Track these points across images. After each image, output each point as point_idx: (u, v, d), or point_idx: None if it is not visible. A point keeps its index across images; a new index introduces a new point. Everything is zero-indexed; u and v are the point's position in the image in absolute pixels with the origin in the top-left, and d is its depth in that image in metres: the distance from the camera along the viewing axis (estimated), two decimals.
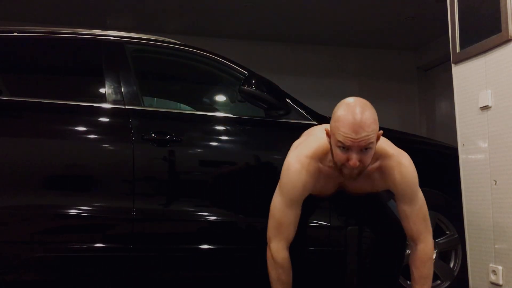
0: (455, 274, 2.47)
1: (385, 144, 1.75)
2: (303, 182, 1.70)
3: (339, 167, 1.64)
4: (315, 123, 2.35)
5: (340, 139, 1.57)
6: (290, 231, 1.71)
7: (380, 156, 1.73)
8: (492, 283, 2.09)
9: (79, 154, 2.21)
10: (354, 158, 1.57)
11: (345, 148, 1.58)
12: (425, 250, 1.74)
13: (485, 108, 2.12)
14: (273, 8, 5.01)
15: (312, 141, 1.77)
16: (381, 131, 1.64)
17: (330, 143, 1.65)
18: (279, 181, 1.75)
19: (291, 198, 1.71)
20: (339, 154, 1.60)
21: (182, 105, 3.20)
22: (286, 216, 1.72)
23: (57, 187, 2.19)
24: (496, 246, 2.08)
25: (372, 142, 1.58)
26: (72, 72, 2.63)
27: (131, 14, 5.64)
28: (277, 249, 1.71)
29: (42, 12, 5.42)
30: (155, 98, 3.12)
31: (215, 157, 2.37)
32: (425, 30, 5.88)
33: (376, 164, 1.74)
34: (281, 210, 1.72)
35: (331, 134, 1.62)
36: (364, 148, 1.57)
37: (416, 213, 1.74)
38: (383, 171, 1.74)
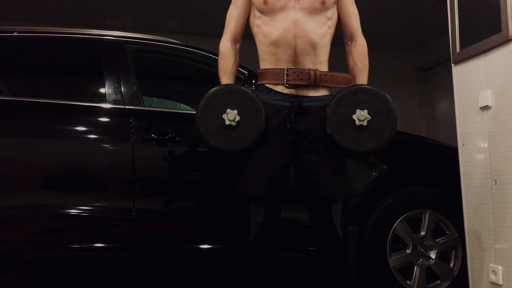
0: (455, 274, 2.48)
1: None
2: None
3: None
4: None
5: None
6: (232, 26, 1.94)
7: None
8: (492, 283, 2.09)
9: (79, 154, 2.21)
10: None
11: None
12: (363, 43, 1.97)
13: (485, 108, 2.12)
14: None
15: None
16: None
17: None
18: None
19: None
20: None
21: (182, 105, 3.20)
22: (230, 13, 1.95)
23: (57, 187, 2.19)
24: (496, 246, 2.08)
25: None
26: (72, 72, 2.63)
27: (131, 14, 5.64)
28: (222, 40, 1.95)
29: (42, 12, 5.42)
30: (155, 98, 3.12)
31: (215, 156, 2.37)
32: (425, 30, 5.88)
33: None
34: (229, 10, 1.96)
35: None
36: None
37: (354, 11, 1.96)
38: None
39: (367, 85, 1.87)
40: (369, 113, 1.77)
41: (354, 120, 1.76)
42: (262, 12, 1.87)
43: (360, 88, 1.82)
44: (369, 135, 1.77)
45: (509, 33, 1.97)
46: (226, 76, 1.92)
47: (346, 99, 1.79)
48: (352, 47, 1.97)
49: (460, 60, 2.26)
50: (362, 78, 1.93)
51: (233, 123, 1.75)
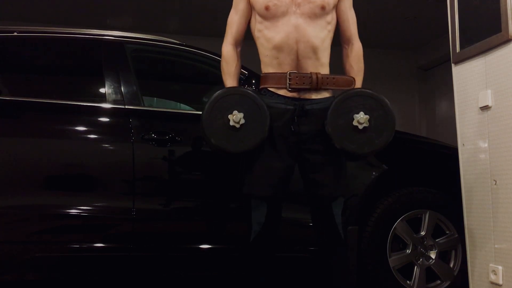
0: (455, 274, 2.48)
1: None
2: None
3: None
4: None
5: None
6: (233, 30, 1.97)
7: None
8: (492, 283, 2.09)
9: (79, 154, 2.21)
10: None
11: None
12: (359, 46, 2.00)
13: (485, 108, 2.12)
14: None
15: None
16: None
17: None
18: None
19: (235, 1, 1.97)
20: None
21: (182, 105, 3.20)
22: (232, 17, 1.97)
23: (57, 187, 2.19)
24: (496, 246, 2.08)
25: None
26: (72, 72, 2.63)
27: (131, 14, 5.64)
28: (224, 44, 1.98)
29: (42, 12, 5.42)
30: (155, 98, 3.12)
31: (215, 156, 2.37)
32: (425, 30, 5.88)
33: None
34: (230, 14, 1.98)
35: None
36: None
37: (352, 16, 1.99)
38: None
39: (362, 88, 1.92)
40: (366, 114, 1.81)
41: (354, 124, 1.80)
42: (264, 17, 1.90)
43: (356, 92, 1.86)
44: (370, 136, 1.81)
45: (509, 33, 1.97)
46: (230, 78, 1.95)
47: (343, 105, 1.82)
48: (349, 50, 2.00)
49: (460, 60, 2.26)
50: (358, 80, 1.97)
51: (237, 125, 1.77)
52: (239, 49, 2.00)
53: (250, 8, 1.94)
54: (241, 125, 1.78)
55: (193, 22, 5.73)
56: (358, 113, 1.80)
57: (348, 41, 2.00)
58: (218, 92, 1.83)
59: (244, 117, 1.78)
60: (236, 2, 1.96)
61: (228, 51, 1.96)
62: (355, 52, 1.98)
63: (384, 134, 1.83)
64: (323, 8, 1.88)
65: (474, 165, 2.20)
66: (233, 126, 1.77)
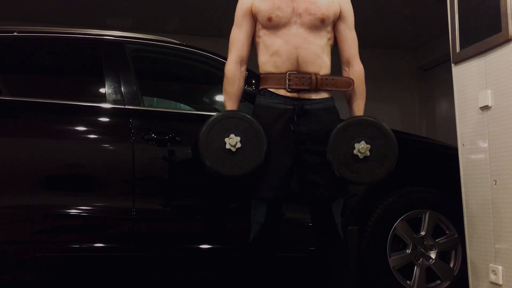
0: (455, 274, 2.48)
1: None
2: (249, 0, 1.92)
3: None
4: None
5: None
6: (239, 47, 1.93)
7: None
8: (492, 283, 2.09)
9: (79, 154, 2.21)
10: None
11: None
12: (360, 68, 1.97)
13: (485, 108, 2.12)
14: None
15: None
16: None
17: None
18: None
19: (238, 16, 1.94)
20: None
21: (182, 105, 3.20)
22: (236, 35, 1.94)
23: (57, 187, 2.19)
24: (496, 246, 2.08)
25: None
26: (72, 72, 2.63)
27: (131, 14, 5.64)
28: (228, 62, 1.94)
29: (42, 12, 5.42)
30: (155, 98, 3.12)
31: None
32: (425, 30, 5.89)
33: None
34: (233, 31, 1.95)
35: None
36: None
37: (352, 37, 1.97)
38: None
39: (365, 116, 1.90)
40: (367, 143, 1.80)
41: (355, 153, 1.80)
42: (266, 27, 1.90)
43: (358, 120, 1.86)
44: (370, 165, 1.82)
45: (509, 33, 1.97)
46: (230, 100, 1.93)
47: (345, 132, 1.82)
48: (349, 73, 1.97)
49: (460, 60, 2.26)
50: (360, 104, 1.96)
51: (233, 149, 1.78)
52: (243, 68, 1.96)
53: (254, 23, 1.94)
54: (237, 149, 1.78)
55: (193, 22, 5.73)
56: (359, 142, 1.80)
57: (348, 63, 1.98)
58: (216, 114, 1.84)
59: (240, 141, 1.78)
60: (239, 18, 1.94)
61: (232, 70, 1.93)
62: (357, 76, 1.95)
63: (385, 165, 1.83)
64: (322, 21, 1.89)
65: (474, 165, 2.20)
66: (229, 150, 1.78)
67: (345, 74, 1.98)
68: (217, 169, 1.81)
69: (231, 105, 1.92)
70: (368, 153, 1.80)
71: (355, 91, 1.95)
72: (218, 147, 1.79)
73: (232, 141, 1.78)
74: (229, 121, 1.81)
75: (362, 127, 1.83)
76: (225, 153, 1.79)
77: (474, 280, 2.22)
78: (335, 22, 1.94)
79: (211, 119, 1.82)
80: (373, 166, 1.82)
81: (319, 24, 1.89)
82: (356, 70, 1.96)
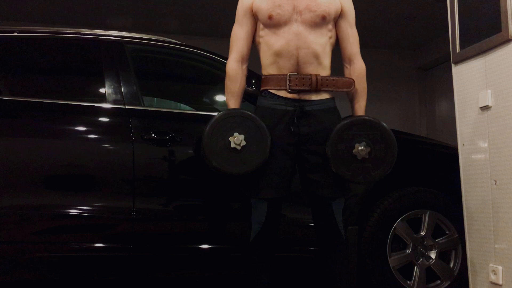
0: (455, 274, 2.48)
1: None
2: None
3: None
4: None
5: None
6: (240, 45, 1.93)
7: None
8: (492, 283, 2.09)
9: (79, 154, 2.21)
10: None
11: None
12: (362, 66, 1.97)
13: (485, 108, 2.12)
14: None
15: None
16: None
17: None
18: None
19: (238, 14, 1.94)
20: None
21: (182, 105, 3.20)
22: (237, 32, 1.94)
23: (57, 187, 2.19)
24: (496, 246, 2.08)
25: None
26: (72, 72, 2.63)
27: (131, 14, 5.64)
28: (229, 60, 1.94)
29: (42, 12, 5.42)
30: (155, 98, 3.12)
31: None
32: (425, 30, 5.89)
33: None
34: (234, 30, 1.95)
35: None
36: None
37: (353, 34, 1.97)
38: None
39: (369, 117, 1.90)
40: (367, 145, 1.81)
41: (354, 153, 1.81)
42: (267, 26, 1.91)
43: (362, 120, 1.87)
44: (367, 166, 1.83)
45: (509, 33, 1.97)
46: (233, 98, 1.93)
47: (347, 131, 1.83)
48: (350, 70, 1.98)
49: (460, 60, 2.26)
50: (361, 101, 1.97)
51: (238, 147, 1.79)
52: (245, 66, 1.96)
53: (254, 21, 1.94)
54: (242, 147, 1.79)
55: (193, 22, 5.73)
56: (360, 142, 1.81)
57: (349, 60, 1.98)
58: (219, 114, 1.84)
59: (245, 139, 1.79)
60: (239, 16, 1.95)
61: (234, 68, 1.93)
62: (358, 72, 1.96)
63: (382, 168, 1.84)
64: (323, 18, 1.89)
65: (474, 165, 2.20)
66: (234, 148, 1.79)
67: (346, 71, 1.99)
68: (224, 168, 1.81)
69: (233, 103, 1.92)
70: (366, 156, 1.81)
71: (357, 89, 1.95)
72: (223, 147, 1.80)
73: (237, 139, 1.78)
74: (232, 120, 1.82)
75: (366, 128, 1.84)
76: (230, 151, 1.79)
77: (474, 280, 2.22)
78: (336, 19, 1.95)
79: (214, 118, 1.82)
80: (369, 168, 1.83)
81: (320, 21, 1.89)
82: (357, 67, 1.96)
